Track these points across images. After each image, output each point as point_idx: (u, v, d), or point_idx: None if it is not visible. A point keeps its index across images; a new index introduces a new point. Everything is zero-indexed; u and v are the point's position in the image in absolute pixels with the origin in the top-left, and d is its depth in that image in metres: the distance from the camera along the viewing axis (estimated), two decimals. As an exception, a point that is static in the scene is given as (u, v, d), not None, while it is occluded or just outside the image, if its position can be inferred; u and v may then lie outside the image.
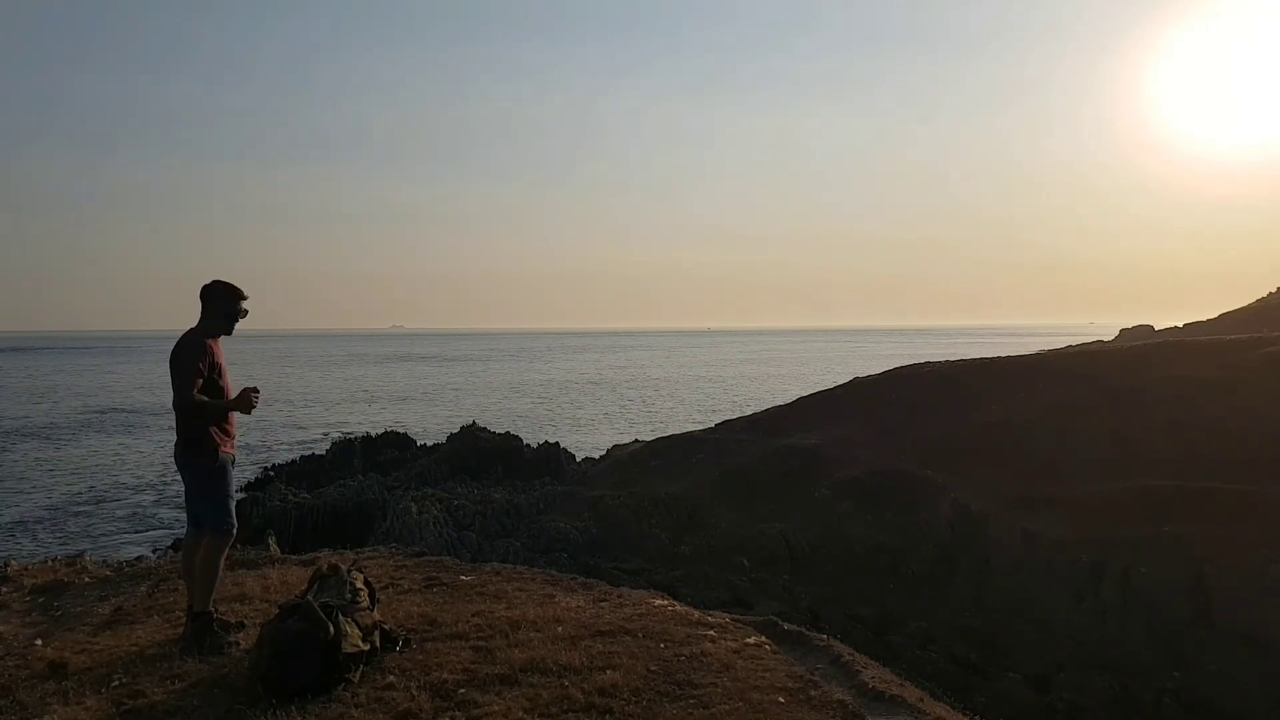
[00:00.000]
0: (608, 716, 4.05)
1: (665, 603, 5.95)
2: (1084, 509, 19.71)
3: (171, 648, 5.07)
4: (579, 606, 5.80)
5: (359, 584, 5.17)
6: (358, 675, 4.55)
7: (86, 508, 34.95)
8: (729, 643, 5.04)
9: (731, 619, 5.71)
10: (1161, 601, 16.73)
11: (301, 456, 40.52)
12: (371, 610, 5.03)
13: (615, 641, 5.01)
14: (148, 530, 31.44)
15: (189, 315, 5.21)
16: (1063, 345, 48.17)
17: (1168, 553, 17.36)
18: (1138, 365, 28.05)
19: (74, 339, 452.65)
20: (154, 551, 23.18)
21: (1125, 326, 71.76)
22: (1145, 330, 66.44)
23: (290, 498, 29.51)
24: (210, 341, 5.08)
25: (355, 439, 40.78)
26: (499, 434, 36.38)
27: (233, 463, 5.23)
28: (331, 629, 4.52)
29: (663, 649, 4.89)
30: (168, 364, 5.08)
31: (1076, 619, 17.22)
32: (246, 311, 5.22)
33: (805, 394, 36.07)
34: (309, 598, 4.89)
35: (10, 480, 40.94)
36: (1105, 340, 58.31)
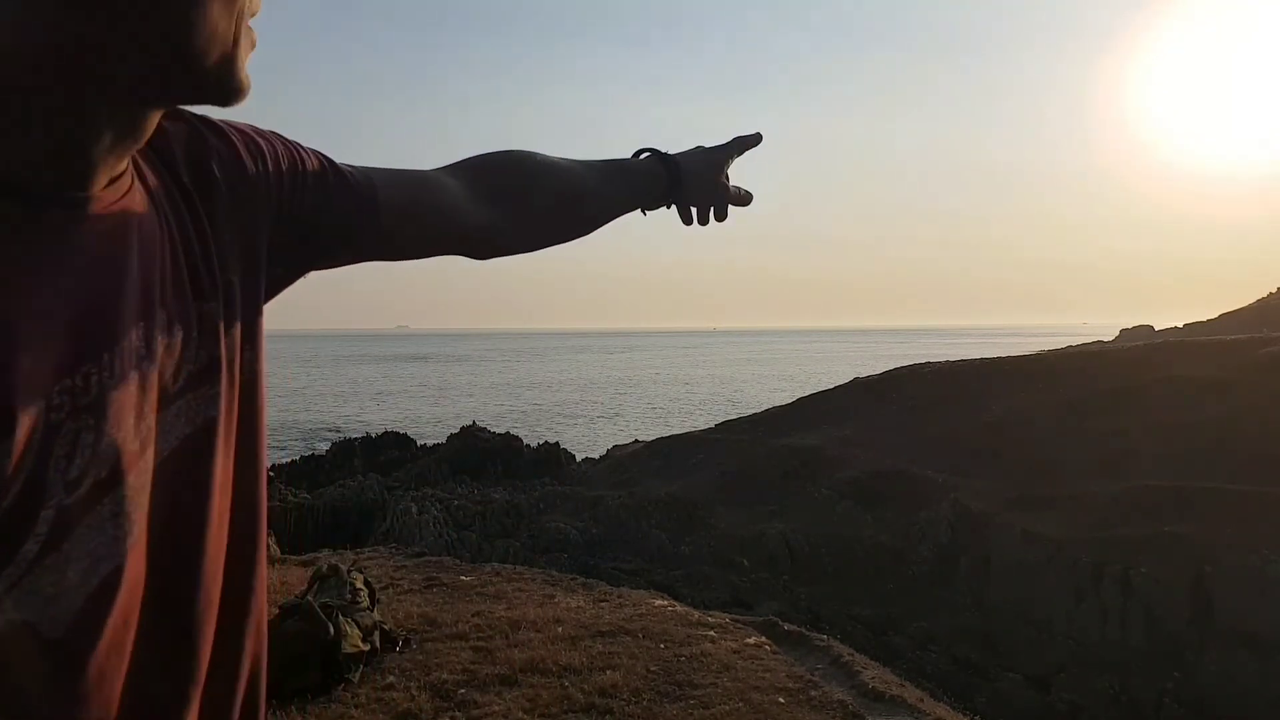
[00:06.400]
0: (608, 717, 4.05)
1: (665, 603, 5.96)
2: (1084, 509, 19.71)
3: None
4: (579, 606, 5.80)
5: (359, 584, 5.17)
6: (358, 675, 4.55)
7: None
8: (729, 643, 5.04)
9: (731, 619, 5.72)
10: (1161, 601, 16.74)
11: (301, 456, 40.45)
12: (371, 611, 5.03)
13: (615, 642, 5.02)
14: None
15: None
16: (1063, 345, 48.15)
17: (1168, 553, 17.37)
18: (1137, 365, 28.05)
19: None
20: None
21: (1125, 326, 71.76)
22: (1145, 330, 66.44)
23: (290, 498, 29.49)
24: None
25: (355, 439, 40.73)
26: (499, 434, 36.31)
27: None
28: (331, 629, 4.52)
29: (663, 649, 4.89)
30: None
31: (1076, 619, 17.23)
32: None
33: (805, 394, 36.06)
34: (309, 598, 4.90)
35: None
36: (1105, 340, 58.27)
